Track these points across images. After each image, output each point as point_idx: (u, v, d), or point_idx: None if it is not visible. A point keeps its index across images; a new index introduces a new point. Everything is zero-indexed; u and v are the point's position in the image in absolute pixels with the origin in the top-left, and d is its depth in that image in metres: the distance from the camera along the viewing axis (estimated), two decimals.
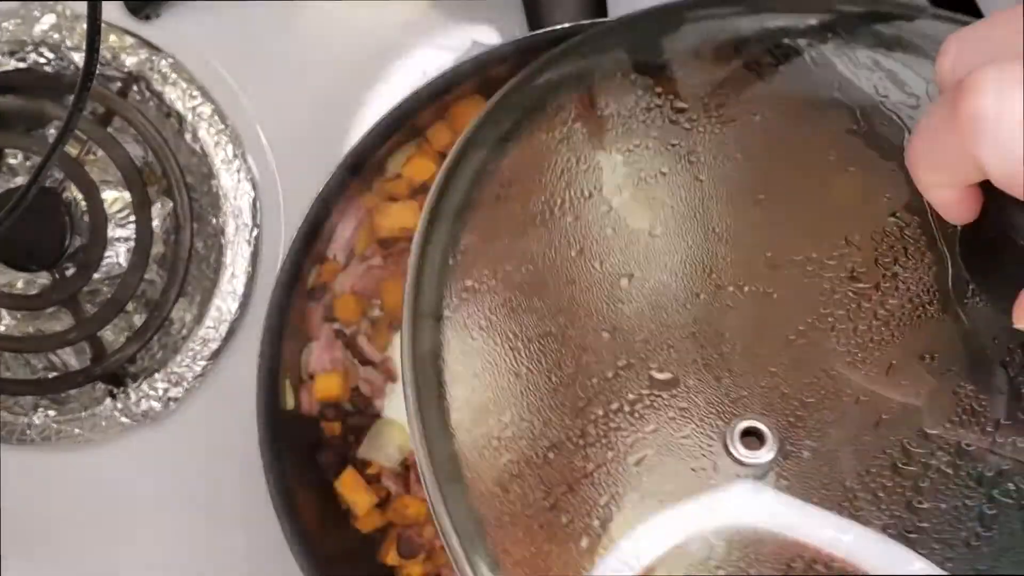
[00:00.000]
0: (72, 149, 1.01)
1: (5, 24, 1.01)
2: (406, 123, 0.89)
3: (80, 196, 1.01)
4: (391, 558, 0.95)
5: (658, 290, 0.60)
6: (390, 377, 0.96)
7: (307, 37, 1.03)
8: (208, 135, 1.00)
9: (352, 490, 0.94)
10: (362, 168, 0.90)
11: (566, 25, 0.87)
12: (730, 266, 0.60)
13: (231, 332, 1.01)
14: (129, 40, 1.01)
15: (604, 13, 0.92)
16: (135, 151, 1.04)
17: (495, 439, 0.58)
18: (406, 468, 0.95)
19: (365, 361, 0.96)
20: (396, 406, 0.96)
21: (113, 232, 1.02)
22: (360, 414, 0.96)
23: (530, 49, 0.87)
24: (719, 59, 0.69)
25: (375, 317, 0.96)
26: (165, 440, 1.05)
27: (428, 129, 0.95)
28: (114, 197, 1.03)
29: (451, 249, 0.63)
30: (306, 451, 0.95)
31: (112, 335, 1.06)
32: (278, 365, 0.89)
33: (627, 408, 0.57)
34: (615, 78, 0.68)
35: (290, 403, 0.93)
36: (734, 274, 0.60)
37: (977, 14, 0.96)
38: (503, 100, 0.70)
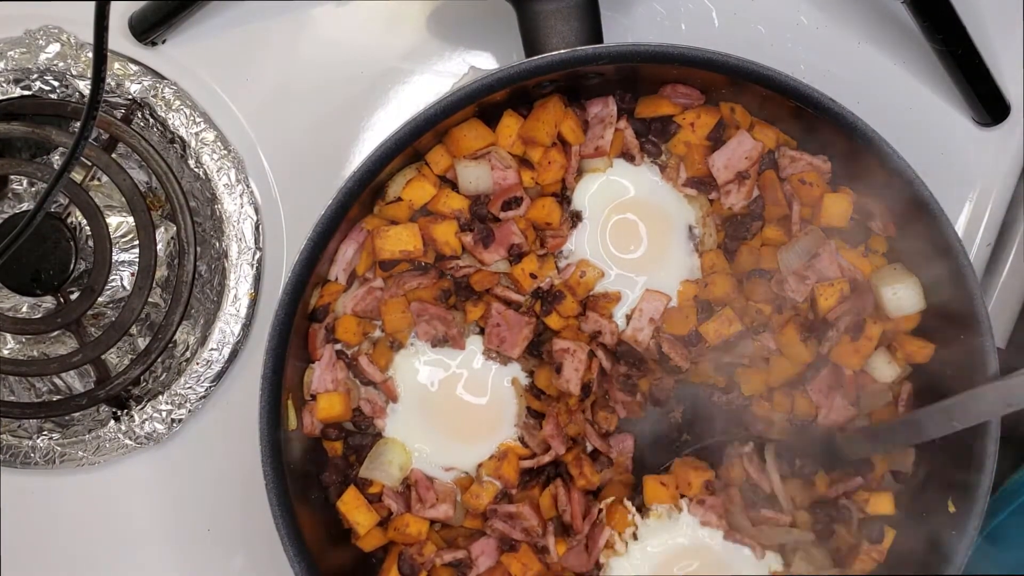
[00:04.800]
0: (77, 175, 1.02)
1: (10, 52, 1.02)
2: (406, 147, 0.90)
3: (85, 221, 1.02)
4: None
5: None
6: (391, 397, 0.97)
7: (308, 64, 1.04)
8: (211, 160, 1.01)
9: (354, 509, 0.94)
10: (363, 192, 0.91)
11: (562, 51, 0.88)
12: None
13: (234, 354, 1.02)
14: (133, 67, 1.02)
15: (599, 40, 0.93)
16: (139, 177, 1.05)
17: None
18: (407, 487, 0.96)
19: (367, 381, 0.96)
20: (397, 426, 0.97)
21: (117, 256, 1.03)
22: (361, 434, 0.97)
23: (526, 75, 0.89)
24: None
25: (376, 338, 0.97)
26: (168, 461, 1.05)
27: (427, 153, 0.96)
28: (118, 222, 1.04)
29: None
30: (308, 471, 0.95)
31: (116, 358, 1.07)
32: (280, 386, 0.89)
33: None
34: None
35: (292, 423, 0.93)
36: None
37: (953, 18, 0.96)
38: None
